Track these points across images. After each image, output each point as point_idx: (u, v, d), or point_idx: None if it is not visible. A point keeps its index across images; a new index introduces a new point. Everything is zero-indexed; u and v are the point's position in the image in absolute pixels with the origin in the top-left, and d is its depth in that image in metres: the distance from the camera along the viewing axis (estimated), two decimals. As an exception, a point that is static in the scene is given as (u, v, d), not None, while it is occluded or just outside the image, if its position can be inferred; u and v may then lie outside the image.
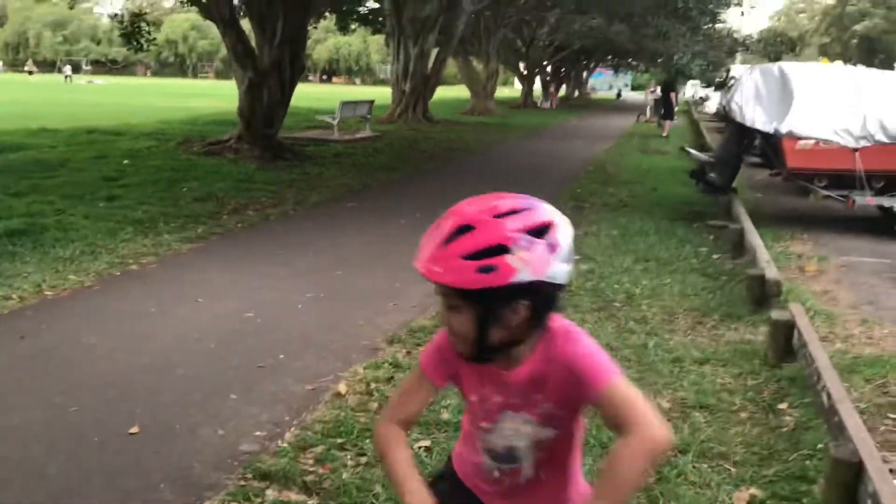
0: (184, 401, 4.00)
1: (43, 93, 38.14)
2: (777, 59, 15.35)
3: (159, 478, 3.23)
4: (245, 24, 15.23)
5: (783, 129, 8.57)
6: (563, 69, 57.21)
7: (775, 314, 4.87)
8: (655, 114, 28.64)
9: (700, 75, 20.67)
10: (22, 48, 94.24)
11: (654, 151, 19.17)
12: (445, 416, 3.85)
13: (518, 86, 50.44)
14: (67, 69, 59.76)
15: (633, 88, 77.11)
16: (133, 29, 11.09)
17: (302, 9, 14.61)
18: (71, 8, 12.95)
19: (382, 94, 29.18)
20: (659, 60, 35.62)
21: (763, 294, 5.82)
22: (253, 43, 14.48)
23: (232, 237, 8.07)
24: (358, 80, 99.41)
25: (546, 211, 1.59)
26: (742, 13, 20.78)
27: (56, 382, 4.17)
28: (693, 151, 10.54)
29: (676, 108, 26.57)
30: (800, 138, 8.73)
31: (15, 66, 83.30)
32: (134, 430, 3.64)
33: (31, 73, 67.90)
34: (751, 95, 9.09)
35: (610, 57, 52.65)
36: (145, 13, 11.95)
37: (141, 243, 7.43)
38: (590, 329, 5.34)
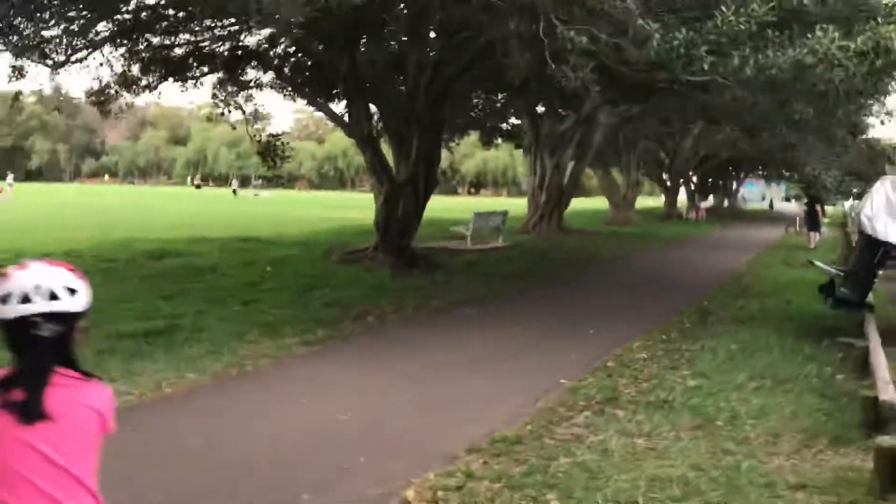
0: (260, 501, 4.17)
1: (212, 205, 41.51)
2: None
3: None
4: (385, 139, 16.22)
5: (915, 244, 8.07)
6: (710, 179, 56.21)
7: (881, 440, 4.51)
8: (805, 226, 27.52)
9: (835, 188, 19.82)
10: (201, 164, 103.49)
11: (799, 265, 18.33)
12: None
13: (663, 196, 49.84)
14: (235, 183, 64.91)
15: (787, 199, 74.25)
16: (269, 147, 12.12)
17: (436, 129, 15.39)
18: (251, 134, 14.38)
19: (522, 206, 29.74)
20: (786, 174, 34.48)
21: (878, 418, 5.39)
22: (390, 158, 15.36)
23: (349, 341, 8.40)
24: (504, 192, 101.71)
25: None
26: (882, 121, 20.02)
27: (144, 476, 4.46)
28: (822, 265, 10.04)
29: (825, 220, 25.42)
30: (934, 252, 8.17)
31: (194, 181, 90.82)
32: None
33: (198, 186, 73.87)
34: (881, 207, 8.65)
35: (760, 167, 51.12)
36: (281, 134, 13.03)
37: (263, 345, 7.88)
38: (681, 447, 5.15)
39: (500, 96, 25.10)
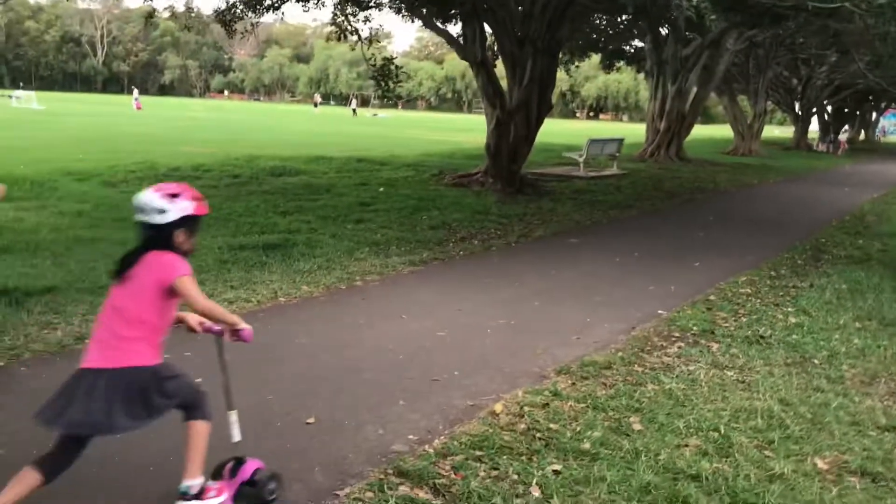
0: (360, 401, 4.55)
1: (331, 124, 42.49)
2: None
3: (317, 462, 3.76)
4: (499, 64, 16.13)
5: None
6: (846, 109, 52.88)
7: (978, 388, 4.43)
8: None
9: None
10: (323, 83, 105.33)
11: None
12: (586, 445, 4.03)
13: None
14: (353, 103, 65.86)
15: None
16: (383, 71, 12.30)
17: (553, 51, 15.17)
18: (366, 56, 14.59)
19: (642, 132, 29.04)
20: None
21: (985, 366, 5.24)
22: (504, 83, 15.31)
23: (451, 264, 8.69)
24: (625, 117, 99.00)
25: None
26: None
27: (265, 374, 4.91)
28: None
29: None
30: None
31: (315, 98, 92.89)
32: (311, 420, 4.23)
33: (316, 104, 75.18)
34: None
35: (903, 97, 47.72)
36: (395, 57, 13.15)
37: (371, 263, 8.28)
38: (771, 382, 5.19)
39: (622, 17, 24.34)
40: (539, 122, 15.49)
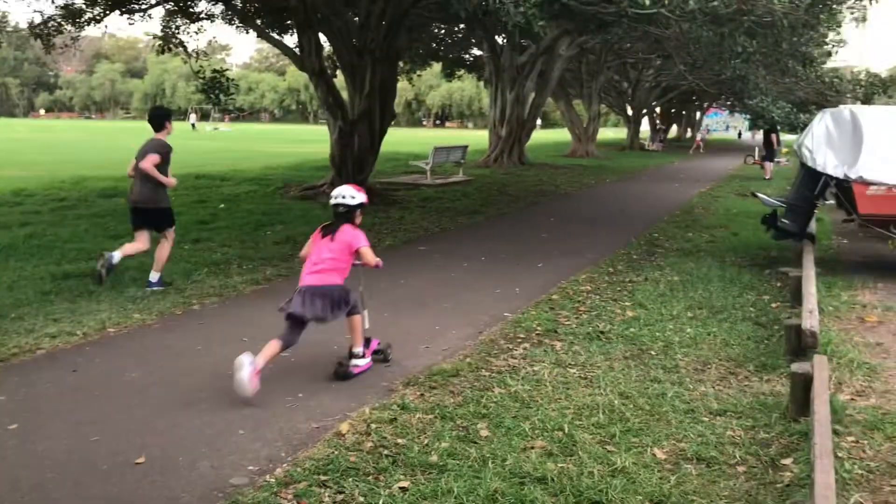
0: (196, 435, 4.28)
1: (170, 140, 40.69)
2: (867, 101, 14.73)
3: (147, 505, 3.49)
4: (340, 73, 15.98)
5: (853, 175, 8.28)
6: (673, 110, 56.40)
7: (795, 366, 4.73)
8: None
9: (784, 119, 20.08)
10: (159, 98, 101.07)
11: (751, 195, 18.65)
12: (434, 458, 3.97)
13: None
14: (193, 117, 63.59)
15: (751, 129, 74.94)
16: (213, 84, 11.89)
17: (391, 61, 15.20)
18: (194, 69, 13.80)
19: (487, 138, 29.67)
20: (729, 103, 34.73)
21: (801, 345, 5.63)
22: (345, 93, 15.19)
23: (296, 280, 8.43)
24: (470, 124, 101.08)
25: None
26: (830, 53, 19.84)
27: (89, 413, 4.54)
28: (763, 196, 10.22)
29: (783, 150, 25.72)
30: (870, 184, 8.37)
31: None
32: (140, 460, 3.94)
33: (193, 125, 70.28)
34: (822, 139, 8.84)
35: (724, 97, 51.15)
36: (226, 69, 12.77)
37: (209, 284, 7.92)
38: (612, 376, 5.34)
39: (459, 26, 24.79)
40: (383, 132, 15.47)
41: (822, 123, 8.91)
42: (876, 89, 14.43)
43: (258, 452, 4.08)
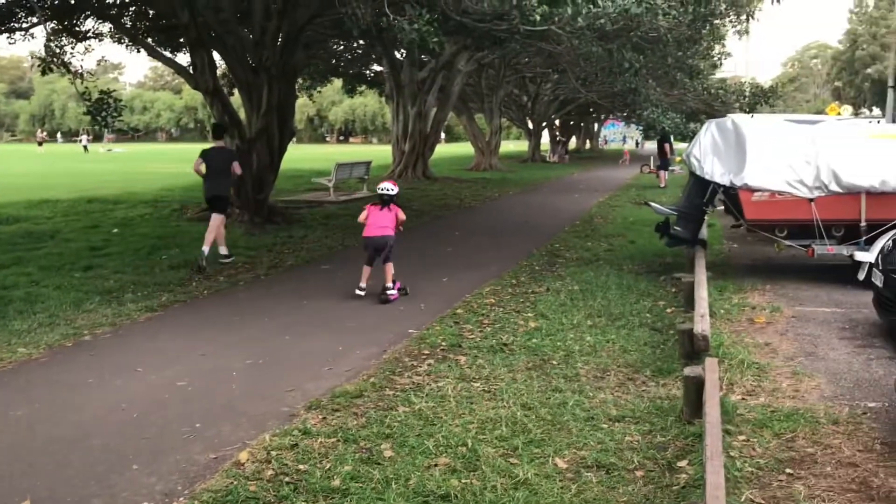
0: (86, 473, 4.10)
1: (59, 163, 39.12)
2: (752, 110, 15.58)
3: (32, 551, 3.32)
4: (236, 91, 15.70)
5: (738, 182, 8.66)
6: (572, 122, 57.80)
7: (687, 370, 4.90)
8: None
9: (674, 129, 20.98)
10: (48, 119, 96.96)
11: (649, 201, 19.28)
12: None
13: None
14: (83, 139, 61.24)
15: (644, 139, 77.61)
16: (100, 105, 11.50)
17: (289, 78, 15.04)
18: (79, 90, 13.29)
19: (390, 154, 29.69)
20: (624, 115, 36.43)
21: (694, 349, 5.85)
22: (242, 111, 14.93)
23: (195, 305, 8.23)
24: (374, 140, 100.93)
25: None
26: (717, 67, 21.05)
27: (-32, 457, 4.29)
28: (655, 205, 10.60)
29: (676, 159, 26.71)
30: (755, 190, 8.80)
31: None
32: (25, 503, 3.74)
33: (40, 143, 67.18)
34: (708, 149, 9.22)
35: (618, 109, 52.82)
36: (113, 91, 12.38)
37: (102, 313, 7.62)
38: (514, 388, 5.41)
39: (357, 43, 24.78)
40: (282, 150, 15.26)
41: (708, 134, 9.30)
42: (759, 100, 15.22)
43: (153, 487, 3.94)
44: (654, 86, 15.56)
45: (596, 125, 69.12)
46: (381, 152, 45.29)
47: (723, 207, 10.47)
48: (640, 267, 10.31)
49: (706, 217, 10.21)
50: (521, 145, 60.79)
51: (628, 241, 12.68)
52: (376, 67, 31.74)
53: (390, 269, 8.53)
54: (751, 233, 10.06)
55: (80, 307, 7.83)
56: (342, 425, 4.74)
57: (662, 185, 24.03)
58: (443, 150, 49.52)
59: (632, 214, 16.46)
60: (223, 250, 10.65)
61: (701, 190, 9.48)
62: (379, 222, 8.48)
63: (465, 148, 55.27)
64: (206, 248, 10.09)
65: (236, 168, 10.94)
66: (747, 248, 11.82)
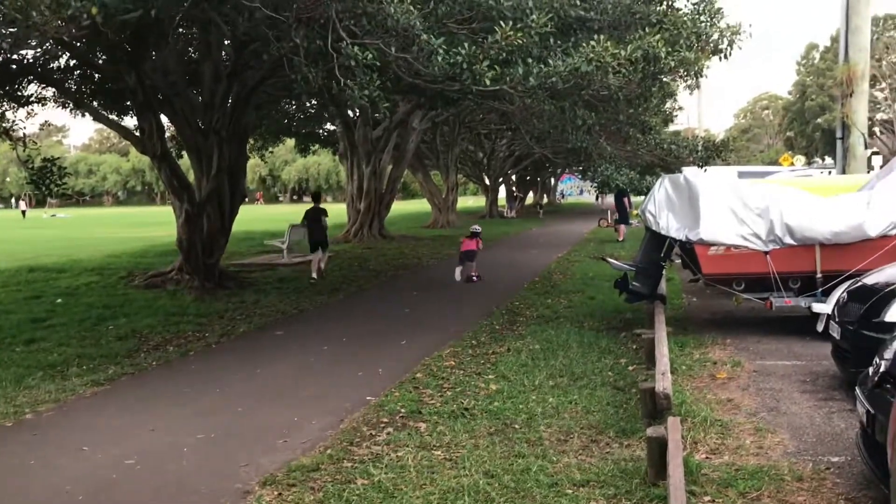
0: (27, 563, 3.98)
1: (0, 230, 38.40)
2: (706, 163, 16.13)
3: None
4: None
5: (693, 237, 8.86)
6: (528, 176, 58.66)
7: (650, 430, 4.95)
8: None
9: (628, 185, 21.46)
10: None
11: (608, 257, 19.53)
12: None
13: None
14: (22, 204, 60.25)
15: (600, 193, 78.95)
16: (43, 173, 11.40)
17: (240, 139, 15.10)
18: (21, 157, 13.31)
19: (345, 212, 29.72)
20: (581, 168, 37.47)
21: (656, 407, 5.91)
22: (191, 174, 14.92)
23: (143, 377, 8.09)
24: (329, 198, 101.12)
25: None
26: (670, 121, 21.82)
27: None
28: (613, 261, 10.79)
29: (633, 212, 27.23)
30: (711, 245, 9.02)
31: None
32: None
33: None
34: (663, 204, 9.43)
35: (572, 164, 53.50)
36: (56, 158, 12.29)
37: (45, 389, 7.44)
38: (477, 455, 5.40)
39: (311, 102, 24.99)
40: (234, 212, 15.23)
41: (661, 189, 9.53)
42: (711, 153, 15.76)
43: (99, 577, 3.82)
44: (605, 145, 16.02)
45: (553, 179, 70.19)
46: (335, 210, 45.37)
47: (680, 261, 10.69)
48: (600, 323, 10.42)
49: (664, 272, 10.41)
50: (480, 200, 61.46)
51: (588, 297, 12.83)
52: (329, 127, 32.02)
53: (473, 267, 15.46)
54: (709, 286, 10.27)
55: (20, 384, 7.64)
56: (298, 501, 4.67)
57: (621, 238, 24.41)
58: (399, 207, 49.81)
59: (591, 270, 16.67)
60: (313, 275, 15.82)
61: (657, 245, 9.67)
62: (469, 245, 15.54)
63: (421, 205, 55.65)
64: (314, 274, 15.78)
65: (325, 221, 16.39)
66: (706, 302, 12.03)
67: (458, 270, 15.48)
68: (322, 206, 16.77)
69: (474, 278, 15.36)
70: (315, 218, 16.29)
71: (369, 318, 11.52)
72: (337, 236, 26.18)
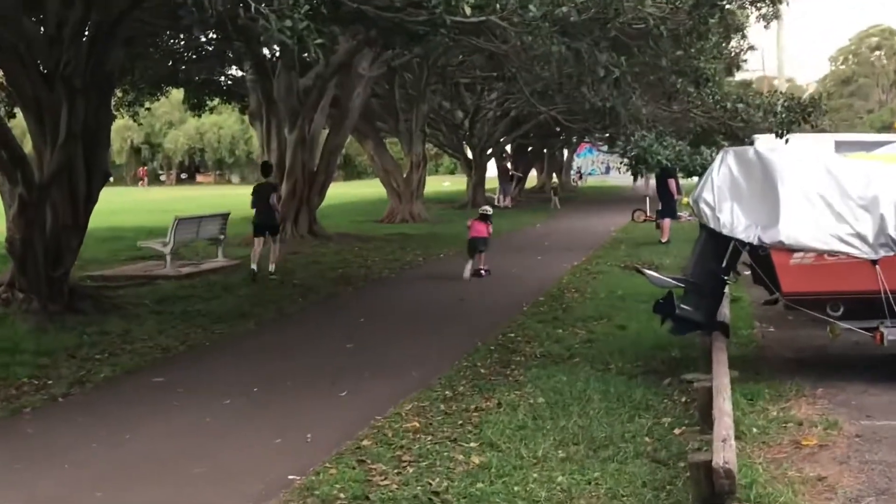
0: None
1: None
2: (787, 131, 16.12)
3: None
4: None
5: (770, 239, 8.91)
6: (531, 147, 58.68)
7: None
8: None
9: (676, 161, 21.44)
10: None
11: (645, 267, 19.59)
12: None
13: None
14: None
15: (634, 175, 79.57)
16: None
17: (100, 91, 15.00)
18: None
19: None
20: (606, 136, 37.21)
21: (713, 490, 5.94)
22: (29, 144, 14.81)
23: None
24: (235, 178, 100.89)
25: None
26: (736, 69, 21.83)
27: None
28: (653, 273, 10.81)
29: (682, 200, 27.41)
30: (795, 251, 9.08)
31: None
32: None
33: None
34: (726, 190, 9.46)
35: (595, 132, 53.03)
36: None
37: None
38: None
39: (208, 36, 24.88)
40: (92, 199, 15.11)
41: (723, 169, 9.57)
42: (795, 116, 15.78)
43: None
44: (640, 103, 15.90)
45: (565, 151, 70.50)
46: (244, 198, 45.42)
47: (750, 274, 10.76)
48: (633, 366, 10.47)
49: (727, 289, 10.47)
50: (459, 182, 61.56)
51: (616, 325, 12.89)
52: (235, 72, 31.92)
53: (483, 258, 18.66)
54: (792, 311, 10.34)
55: None
56: None
57: (664, 239, 24.56)
58: (340, 191, 49.78)
59: (621, 284, 16.77)
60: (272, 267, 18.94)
61: (717, 250, 9.73)
62: (479, 230, 18.50)
63: (372, 188, 55.70)
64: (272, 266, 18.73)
65: (274, 201, 19.27)
66: (788, 334, 12.12)
67: (467, 267, 18.40)
68: (272, 181, 20.55)
69: (482, 272, 18.44)
70: (263, 196, 19.12)
71: (294, 356, 11.51)
72: (246, 236, 26.14)
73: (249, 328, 13.59)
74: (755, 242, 9.13)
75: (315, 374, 10.49)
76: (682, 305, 9.92)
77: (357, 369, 10.73)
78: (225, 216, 21.82)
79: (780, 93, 21.14)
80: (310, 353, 11.78)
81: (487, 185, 48.37)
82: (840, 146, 19.53)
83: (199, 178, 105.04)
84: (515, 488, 6.65)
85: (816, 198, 8.92)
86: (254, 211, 19.36)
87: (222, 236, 21.60)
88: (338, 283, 18.48)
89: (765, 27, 27.12)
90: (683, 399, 8.87)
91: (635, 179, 36.75)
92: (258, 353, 11.87)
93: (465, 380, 10.03)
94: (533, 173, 68.30)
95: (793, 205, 8.88)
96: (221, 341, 12.63)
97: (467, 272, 18.12)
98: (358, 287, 18.09)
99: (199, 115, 44.20)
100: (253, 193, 19.57)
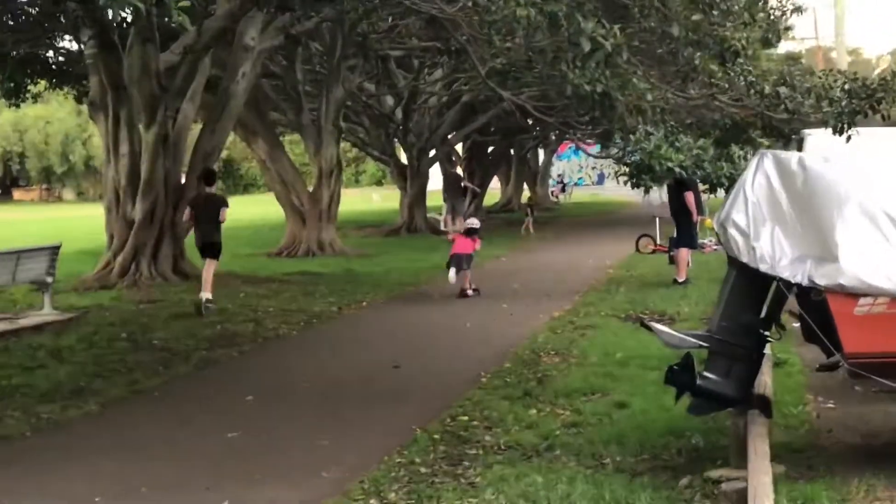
0: None
1: None
2: (848, 125, 16.13)
3: None
4: None
5: (825, 280, 8.94)
6: (492, 147, 58.53)
7: None
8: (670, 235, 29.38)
9: (695, 167, 21.42)
10: None
11: (654, 319, 19.61)
12: None
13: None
14: None
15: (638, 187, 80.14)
16: None
17: None
18: None
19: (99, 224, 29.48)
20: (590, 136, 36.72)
21: None
22: None
23: None
24: (70, 194, 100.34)
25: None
26: (778, 38, 21.64)
27: None
28: (663, 328, 10.78)
29: (706, 220, 27.54)
30: (860, 295, 9.10)
31: None
32: None
33: None
34: (763, 208, 9.50)
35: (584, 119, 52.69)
36: None
37: None
38: None
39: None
40: None
41: (759, 178, 9.59)
42: (860, 105, 15.69)
43: None
44: (642, 85, 15.56)
45: (541, 154, 70.54)
46: (83, 221, 44.96)
47: (800, 328, 10.79)
48: (637, 460, 10.48)
49: (767, 350, 10.51)
50: (391, 197, 61.49)
51: (614, 403, 12.90)
52: (69, 44, 31.80)
53: (468, 275, 22.95)
54: (858, 379, 10.41)
55: None
56: None
57: (681, 278, 24.58)
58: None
59: (620, 345, 16.80)
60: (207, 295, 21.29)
61: (753, 294, 9.77)
62: (463, 245, 22.81)
63: (264, 207, 55.56)
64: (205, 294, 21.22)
65: (223, 216, 21.70)
66: (854, 411, 12.19)
67: (452, 270, 23.40)
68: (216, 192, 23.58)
69: (469, 292, 23.31)
70: (209, 210, 22.13)
71: (150, 453, 11.41)
72: (85, 276, 25.98)
73: (90, 410, 13.45)
74: (805, 283, 9.17)
75: (181, 479, 10.40)
76: (706, 373, 9.93)
77: (243, 468, 10.66)
78: (54, 250, 21.63)
79: (840, 71, 21.21)
80: (176, 444, 11.70)
81: (430, 202, 48.27)
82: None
83: (17, 193, 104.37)
84: None
85: (888, 223, 8.98)
86: (194, 230, 22.38)
87: (50, 279, 21.39)
88: (215, 343, 18.36)
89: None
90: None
91: (646, 193, 36.89)
92: (96, 451, 11.71)
93: (397, 483, 9.98)
94: (495, 183, 67.98)
95: (856, 231, 8.93)
96: (45, 431, 12.49)
97: (452, 276, 23.19)
98: (244, 350, 17.98)
99: (18, 106, 43.73)
100: (193, 208, 22.59)
